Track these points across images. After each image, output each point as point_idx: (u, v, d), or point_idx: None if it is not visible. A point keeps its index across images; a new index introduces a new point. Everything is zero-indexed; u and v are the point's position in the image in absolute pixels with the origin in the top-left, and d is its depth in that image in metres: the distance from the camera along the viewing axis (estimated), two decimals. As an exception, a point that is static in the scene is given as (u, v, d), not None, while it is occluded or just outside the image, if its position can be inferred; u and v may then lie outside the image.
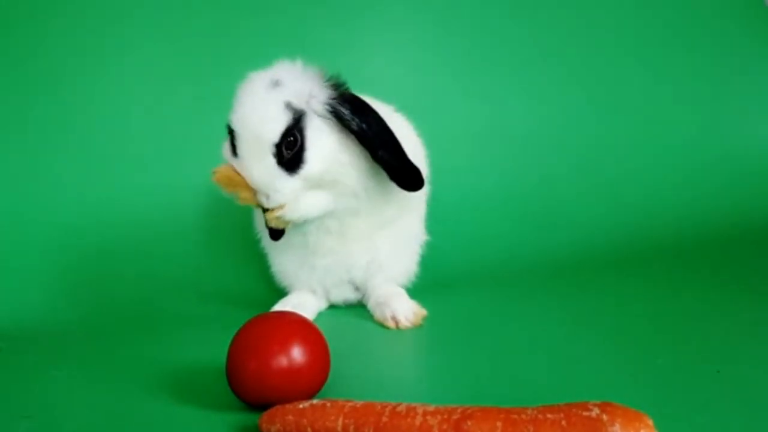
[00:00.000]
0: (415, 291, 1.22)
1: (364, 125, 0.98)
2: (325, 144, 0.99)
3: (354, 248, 1.15)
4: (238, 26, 1.69)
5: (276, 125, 0.96)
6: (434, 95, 1.80)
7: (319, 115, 0.99)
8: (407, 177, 1.03)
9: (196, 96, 1.64)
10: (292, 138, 0.97)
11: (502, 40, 1.87)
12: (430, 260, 1.29)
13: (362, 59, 1.78)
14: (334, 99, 0.99)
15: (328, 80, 1.01)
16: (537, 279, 1.36)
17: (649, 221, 1.72)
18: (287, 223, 1.03)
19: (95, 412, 0.77)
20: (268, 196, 0.99)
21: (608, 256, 1.52)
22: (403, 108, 1.24)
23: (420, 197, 1.23)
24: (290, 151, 0.97)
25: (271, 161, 0.97)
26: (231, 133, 1.00)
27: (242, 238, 1.44)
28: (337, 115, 0.98)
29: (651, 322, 1.00)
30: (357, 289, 1.22)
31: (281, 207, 1.00)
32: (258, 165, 0.97)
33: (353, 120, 0.98)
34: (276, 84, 0.98)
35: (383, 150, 0.99)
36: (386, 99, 1.22)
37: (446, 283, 1.37)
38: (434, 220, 1.29)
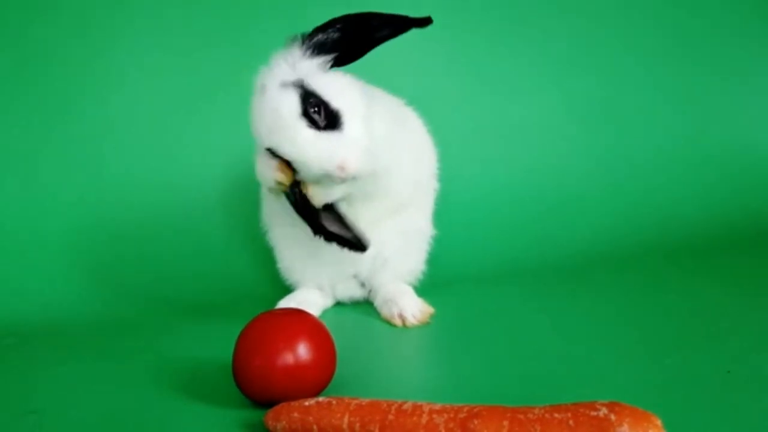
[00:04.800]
0: (422, 289, 1.22)
1: (338, 25, 0.96)
2: (341, 81, 0.97)
3: None
4: (249, 22, 1.69)
5: (289, 101, 0.93)
6: (442, 91, 1.79)
7: (317, 68, 0.97)
8: (404, 19, 0.97)
9: (205, 94, 1.65)
10: (312, 101, 0.93)
11: (510, 37, 1.86)
12: (437, 258, 1.28)
13: (372, 54, 1.77)
14: (306, 43, 0.97)
15: (297, 42, 0.98)
16: (544, 278, 1.35)
17: (658, 220, 1.71)
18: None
19: (101, 407, 0.78)
20: (342, 165, 0.91)
21: (617, 255, 1.51)
22: (412, 103, 1.23)
23: (428, 192, 1.23)
24: (320, 116, 0.93)
25: (310, 132, 0.91)
26: (272, 153, 0.97)
27: (249, 233, 1.44)
28: (316, 45, 0.96)
29: (660, 321, 0.99)
30: (363, 286, 1.21)
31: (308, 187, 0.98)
32: (306, 143, 0.91)
33: (327, 32, 0.96)
34: (263, 86, 0.96)
35: (374, 19, 0.96)
36: (396, 94, 1.21)
37: (453, 281, 1.36)
38: (442, 218, 1.29)
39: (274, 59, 0.99)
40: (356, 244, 1.03)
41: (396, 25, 0.97)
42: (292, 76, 0.95)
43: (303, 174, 0.96)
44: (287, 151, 0.93)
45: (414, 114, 1.22)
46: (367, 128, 0.96)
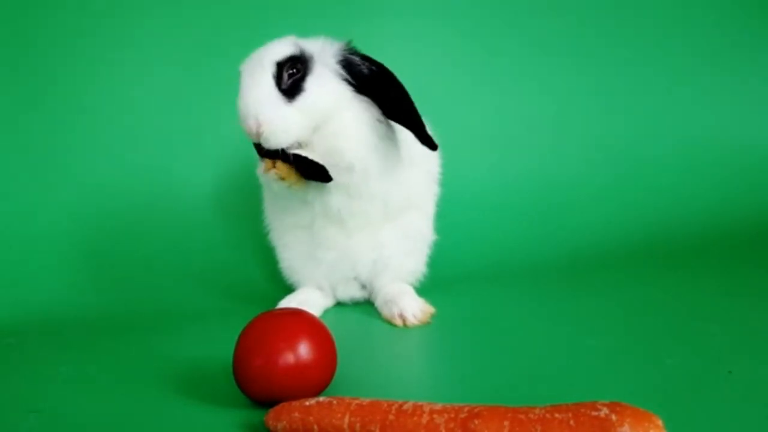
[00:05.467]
0: (423, 289, 1.21)
1: (374, 68, 1.00)
2: (331, 86, 0.99)
3: (359, 242, 1.14)
4: (253, 20, 1.69)
5: (282, 49, 0.97)
6: (441, 93, 1.79)
7: (328, 68, 1.00)
8: (422, 129, 1.00)
9: (209, 92, 1.65)
10: (295, 70, 0.97)
11: (511, 39, 1.86)
12: (438, 258, 1.28)
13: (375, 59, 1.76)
14: (345, 50, 1.02)
15: (342, 43, 1.04)
16: (545, 278, 1.35)
17: (658, 221, 1.71)
18: (288, 176, 1.01)
19: (102, 407, 0.78)
20: (257, 120, 0.94)
21: (617, 255, 1.51)
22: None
23: (429, 197, 1.23)
24: (290, 80, 0.96)
25: (269, 80, 0.96)
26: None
27: (251, 233, 1.44)
28: (348, 63, 1.00)
29: (661, 321, 0.99)
30: (364, 287, 1.21)
31: (294, 178, 1.00)
32: (255, 86, 0.96)
33: (363, 64, 1.00)
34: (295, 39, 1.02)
35: (395, 92, 0.99)
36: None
37: (454, 281, 1.36)
38: (443, 217, 1.28)
39: (317, 37, 1.04)
40: (324, 171, 1.01)
41: (409, 115, 1.00)
42: (311, 48, 1.00)
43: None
44: (242, 80, 0.98)
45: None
46: (308, 123, 0.98)
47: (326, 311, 1.20)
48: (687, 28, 1.97)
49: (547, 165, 1.80)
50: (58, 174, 1.56)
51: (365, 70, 1.00)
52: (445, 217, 1.30)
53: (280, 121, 0.96)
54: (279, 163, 0.99)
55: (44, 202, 1.53)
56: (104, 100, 1.62)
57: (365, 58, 1.02)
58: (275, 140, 0.97)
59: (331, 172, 1.01)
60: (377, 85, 1.00)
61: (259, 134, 0.96)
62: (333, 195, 1.07)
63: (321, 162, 1.00)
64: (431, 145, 1.01)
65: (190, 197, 1.60)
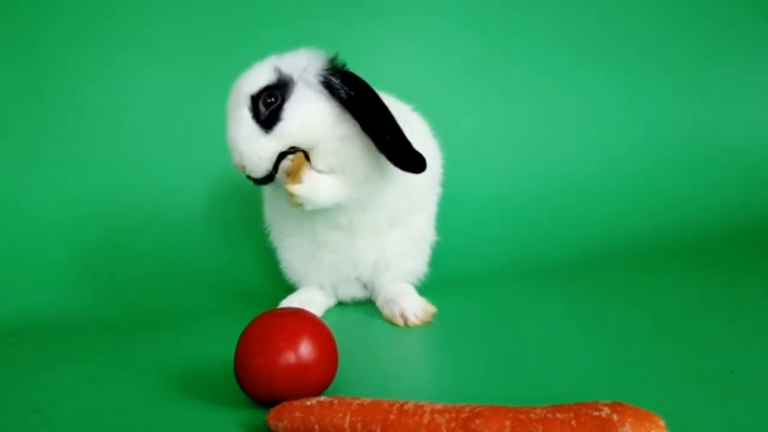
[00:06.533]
0: (424, 289, 1.21)
1: (352, 93, 0.97)
2: (310, 109, 0.97)
3: (361, 245, 1.14)
4: (252, 23, 1.69)
5: (256, 80, 0.98)
6: (445, 95, 1.79)
7: (310, 87, 0.98)
8: (402, 154, 0.97)
9: (210, 92, 1.64)
10: (272, 99, 0.97)
11: (513, 39, 1.86)
12: (439, 258, 1.28)
13: (377, 58, 1.76)
14: (327, 70, 0.99)
15: (326, 58, 1.02)
16: (547, 278, 1.35)
17: (660, 221, 1.71)
18: (301, 205, 1.01)
19: (103, 407, 0.78)
20: (241, 154, 0.97)
21: (619, 255, 1.51)
22: (417, 105, 1.23)
23: (431, 197, 1.23)
24: (267, 110, 0.97)
25: (246, 115, 0.97)
26: None
27: (252, 233, 1.44)
28: (328, 85, 0.98)
29: (662, 320, 0.99)
30: (365, 287, 1.21)
31: (297, 180, 0.98)
32: (234, 121, 0.98)
33: (342, 88, 0.98)
34: (277, 58, 1.01)
35: (370, 119, 0.96)
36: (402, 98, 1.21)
37: (455, 281, 1.36)
38: (445, 217, 1.28)
39: (305, 50, 1.02)
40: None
41: (383, 142, 0.97)
42: (293, 68, 0.99)
43: None
44: (228, 113, 1.00)
45: (420, 120, 1.21)
46: (280, 140, 0.97)
47: (327, 311, 1.20)
48: (688, 29, 1.97)
49: (549, 166, 1.80)
50: (58, 174, 1.56)
51: (343, 95, 0.97)
52: (447, 217, 1.30)
53: (259, 153, 0.97)
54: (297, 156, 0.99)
55: (44, 202, 1.53)
56: (104, 100, 1.62)
57: (345, 80, 0.98)
58: (258, 172, 0.98)
59: (348, 187, 1.02)
60: (354, 111, 0.98)
61: (243, 167, 0.98)
62: (343, 210, 1.08)
63: (332, 177, 1.02)
64: (414, 168, 0.98)
65: (190, 197, 1.60)
